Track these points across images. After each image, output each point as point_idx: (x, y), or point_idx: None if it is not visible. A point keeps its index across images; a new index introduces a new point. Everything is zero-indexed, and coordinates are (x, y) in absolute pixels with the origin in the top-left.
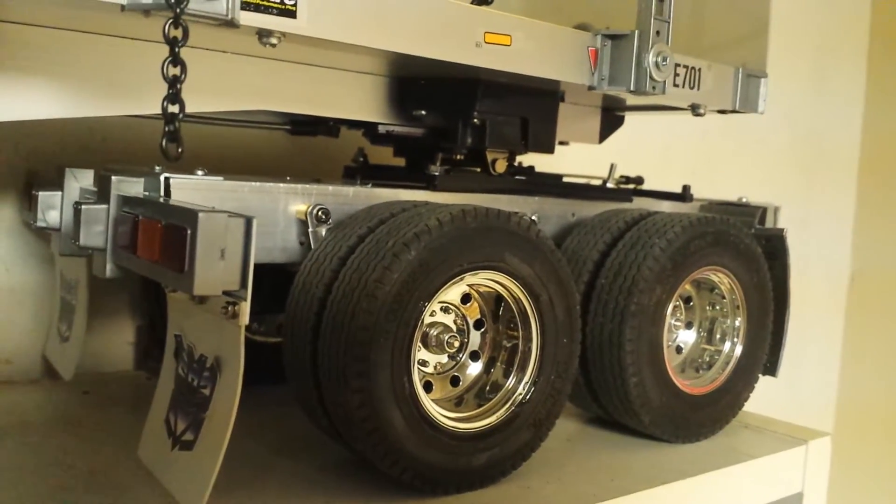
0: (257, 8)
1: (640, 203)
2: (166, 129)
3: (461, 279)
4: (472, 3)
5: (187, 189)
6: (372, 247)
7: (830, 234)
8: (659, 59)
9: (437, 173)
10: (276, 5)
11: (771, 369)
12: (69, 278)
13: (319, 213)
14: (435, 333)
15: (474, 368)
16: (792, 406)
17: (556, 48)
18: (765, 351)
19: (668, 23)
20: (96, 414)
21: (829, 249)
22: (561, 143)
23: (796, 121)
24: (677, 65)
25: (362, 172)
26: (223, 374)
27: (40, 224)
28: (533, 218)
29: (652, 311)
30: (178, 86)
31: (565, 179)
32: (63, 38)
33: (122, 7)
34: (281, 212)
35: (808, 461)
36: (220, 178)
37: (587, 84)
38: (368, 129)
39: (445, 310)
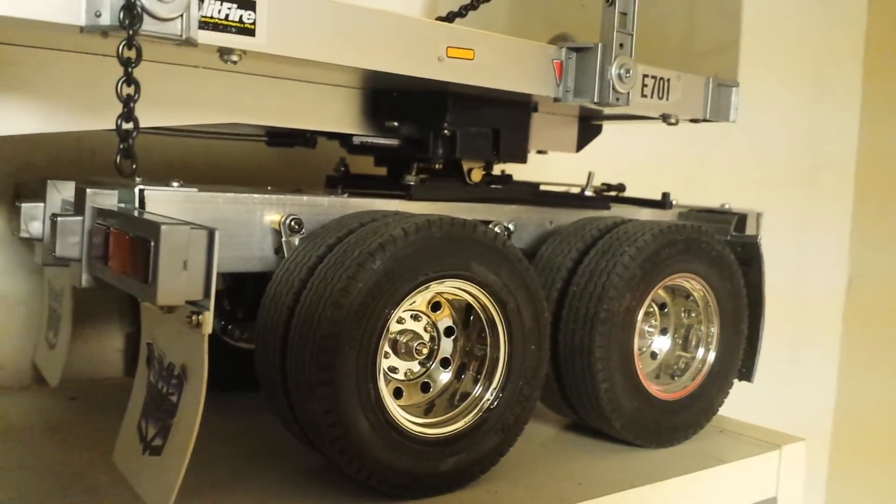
0: (216, 27)
1: (619, 211)
2: (121, 146)
3: (427, 287)
4: (444, 17)
5: (162, 201)
6: (339, 256)
7: (828, 238)
8: (622, 72)
9: (412, 183)
10: (234, 24)
11: (747, 375)
12: (56, 287)
13: (292, 222)
14: (404, 341)
15: (444, 375)
16: (789, 411)
17: (520, 61)
18: (739, 357)
19: (632, 35)
20: (81, 419)
21: (827, 254)
22: (539, 152)
23: (793, 125)
24: (645, 76)
25: (343, 182)
26: (189, 382)
27: (23, 235)
28: (508, 226)
29: (622, 318)
30: (132, 104)
31: (543, 188)
32: (40, 56)
33: (81, 29)
34: (256, 222)
35: (781, 466)
36: (195, 188)
37: (552, 96)
38: (344, 140)
39: (416, 317)
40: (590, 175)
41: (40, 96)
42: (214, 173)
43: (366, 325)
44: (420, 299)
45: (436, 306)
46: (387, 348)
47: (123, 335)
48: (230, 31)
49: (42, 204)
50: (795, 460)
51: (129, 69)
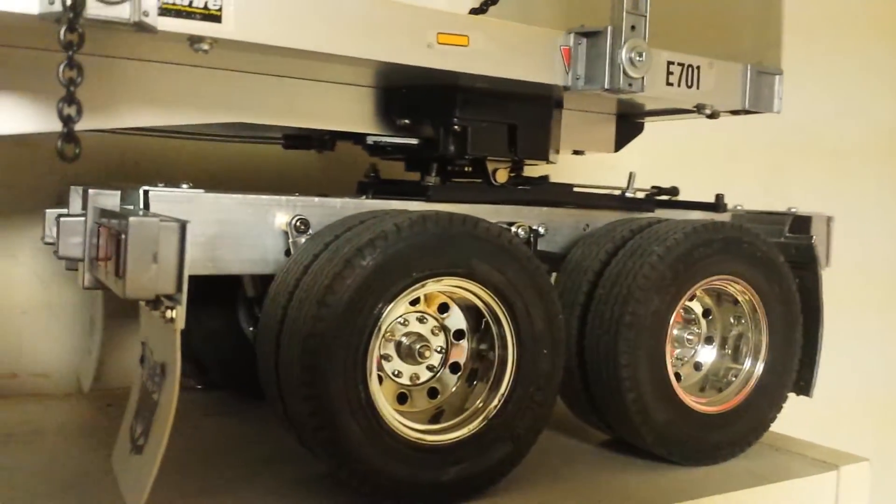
0: (179, 14)
1: (668, 215)
2: (63, 129)
3: (423, 285)
4: (476, 8)
5: (167, 202)
6: (332, 254)
7: None
8: (634, 56)
9: (430, 184)
10: (199, 10)
11: (805, 388)
12: (94, 294)
13: (298, 223)
14: (408, 343)
15: (453, 380)
16: None
17: (521, 48)
18: (793, 368)
19: (645, 17)
20: (111, 424)
21: None
22: (576, 152)
23: (879, 126)
24: (671, 62)
25: (374, 187)
26: (166, 379)
27: (47, 240)
28: (538, 229)
29: (650, 323)
30: (73, 88)
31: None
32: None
33: (38, 17)
34: (266, 224)
35: (840, 489)
36: (201, 190)
37: (561, 84)
38: (360, 141)
39: (421, 319)
40: (630, 175)
41: (30, 97)
42: (260, 181)
43: (354, 323)
44: (423, 299)
45: (443, 308)
46: (389, 351)
47: None
48: (194, 18)
49: (66, 210)
50: (857, 483)
51: (71, 52)
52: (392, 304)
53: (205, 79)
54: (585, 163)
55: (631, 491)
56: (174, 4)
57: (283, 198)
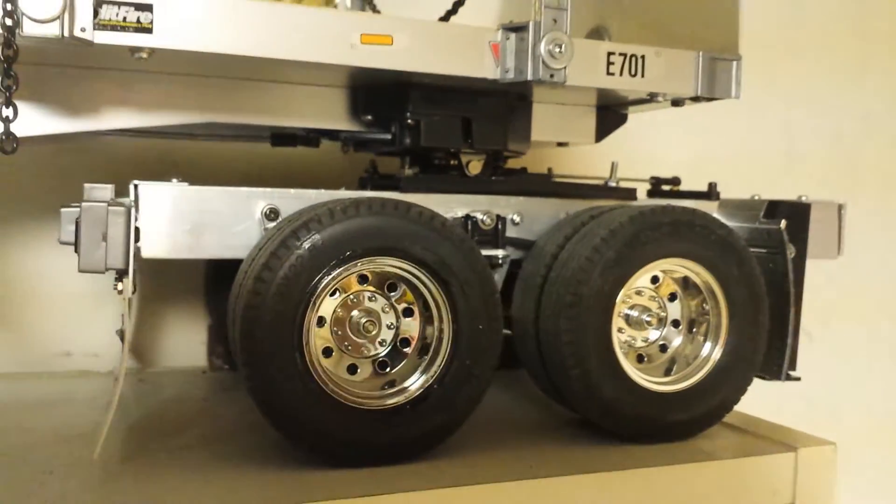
0: (114, 28)
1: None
2: (3, 128)
3: (355, 265)
4: (450, 10)
5: (155, 194)
6: (277, 237)
7: None
8: (552, 48)
9: (403, 176)
10: (132, 24)
11: (776, 372)
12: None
13: (268, 211)
14: (356, 319)
15: (402, 354)
16: None
17: (449, 45)
18: (758, 351)
19: (566, 11)
20: (133, 396)
21: None
22: (560, 144)
23: None
24: (611, 53)
25: (372, 182)
26: (123, 344)
27: None
28: (513, 217)
29: (594, 303)
30: (9, 94)
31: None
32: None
33: None
34: (248, 213)
35: (799, 471)
36: (186, 184)
37: (491, 77)
38: (337, 137)
39: (371, 297)
40: (613, 165)
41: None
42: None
43: (288, 298)
44: (372, 278)
45: (392, 287)
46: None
47: (206, 327)
48: (129, 31)
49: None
50: (820, 466)
51: (7, 65)
52: (326, 281)
53: (181, 83)
54: (628, 156)
55: (567, 460)
56: (110, 20)
57: (261, 189)
